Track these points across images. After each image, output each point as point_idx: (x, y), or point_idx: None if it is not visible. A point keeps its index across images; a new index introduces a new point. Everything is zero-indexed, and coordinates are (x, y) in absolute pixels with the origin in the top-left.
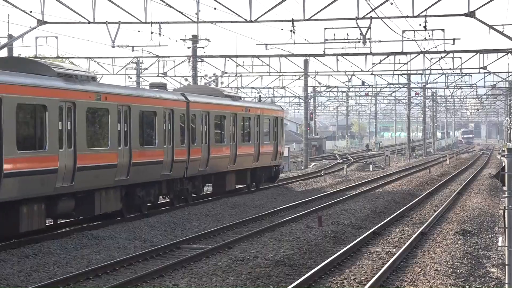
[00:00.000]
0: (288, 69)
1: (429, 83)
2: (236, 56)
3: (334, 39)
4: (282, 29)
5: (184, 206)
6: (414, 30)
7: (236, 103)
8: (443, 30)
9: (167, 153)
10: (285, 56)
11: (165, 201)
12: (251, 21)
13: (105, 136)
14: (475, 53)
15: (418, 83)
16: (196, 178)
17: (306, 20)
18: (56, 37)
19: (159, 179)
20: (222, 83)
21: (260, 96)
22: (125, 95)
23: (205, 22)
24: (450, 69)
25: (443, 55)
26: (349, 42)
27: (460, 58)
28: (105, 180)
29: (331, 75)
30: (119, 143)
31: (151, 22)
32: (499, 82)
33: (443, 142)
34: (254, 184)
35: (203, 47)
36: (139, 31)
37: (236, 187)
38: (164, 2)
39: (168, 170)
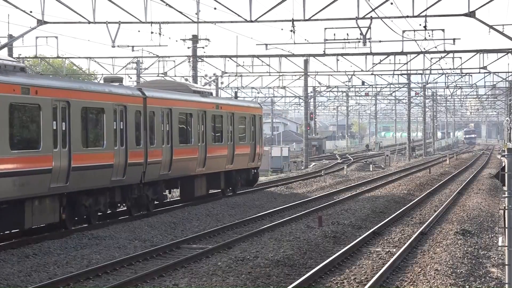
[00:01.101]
0: (288, 69)
1: (429, 83)
2: (236, 56)
3: (334, 39)
4: (282, 29)
5: (184, 205)
6: (414, 30)
7: (205, 100)
8: (443, 30)
9: (119, 155)
10: (285, 56)
11: (122, 209)
12: (251, 21)
13: (35, 136)
14: (475, 53)
15: (418, 83)
16: (157, 184)
17: (306, 20)
18: (56, 37)
19: (109, 185)
20: (222, 83)
21: (236, 92)
22: (62, 88)
23: (205, 22)
24: (450, 69)
25: (443, 55)
26: (349, 42)
27: (460, 58)
28: (37, 188)
29: (331, 75)
30: (55, 144)
31: (151, 22)
32: (499, 82)
33: (443, 142)
34: (230, 188)
35: (203, 47)
36: (139, 31)
37: (210, 191)
38: (164, 2)
39: (121, 175)
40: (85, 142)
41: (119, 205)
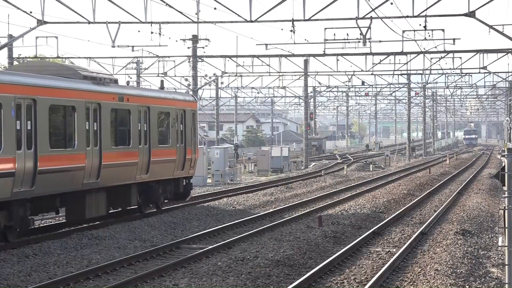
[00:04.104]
0: (288, 69)
1: (429, 83)
2: (236, 56)
3: (334, 39)
4: (282, 29)
5: (184, 206)
6: (414, 30)
7: (100, 89)
8: (443, 30)
9: None
10: (285, 56)
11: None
12: (251, 21)
13: None
14: (475, 53)
15: (418, 83)
16: (13, 205)
17: (306, 20)
18: (56, 37)
19: None
20: (222, 83)
21: (162, 81)
22: None
23: (205, 22)
24: (450, 69)
25: (443, 55)
26: (349, 42)
27: (460, 58)
28: None
29: (331, 75)
30: None
31: (151, 22)
32: (499, 82)
33: (443, 142)
34: (153, 204)
35: (203, 47)
36: (139, 31)
37: (120, 209)
38: (164, 2)
39: None
40: None
41: None
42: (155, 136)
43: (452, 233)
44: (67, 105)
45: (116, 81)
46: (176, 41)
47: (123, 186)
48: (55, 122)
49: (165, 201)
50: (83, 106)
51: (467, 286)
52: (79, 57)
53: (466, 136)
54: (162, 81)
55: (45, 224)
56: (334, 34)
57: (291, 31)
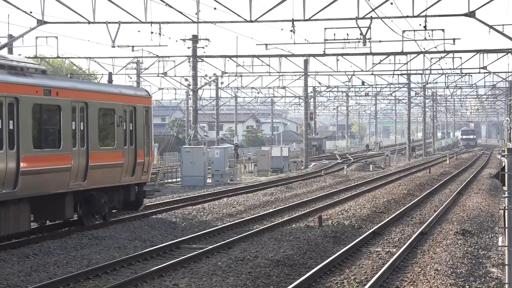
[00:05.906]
0: (288, 69)
1: (429, 83)
2: (236, 56)
3: (334, 39)
4: (282, 29)
5: (184, 205)
6: (414, 30)
7: (18, 80)
8: (443, 30)
9: None
10: (285, 56)
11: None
12: (251, 21)
13: None
14: (475, 53)
15: (418, 83)
16: None
17: (306, 20)
18: (56, 37)
19: None
20: (222, 83)
21: (110, 73)
22: None
23: (205, 22)
24: (450, 69)
25: (443, 55)
26: (349, 42)
27: (460, 58)
28: None
29: (331, 75)
30: None
31: (151, 22)
32: (499, 82)
33: (443, 142)
34: (98, 215)
35: (203, 47)
36: (139, 31)
37: (65, 221)
38: (164, 2)
39: None
40: None
41: None
42: (95, 136)
43: (452, 233)
44: None
45: (43, 72)
46: (176, 41)
47: (53, 196)
48: None
49: (114, 211)
50: None
51: (467, 286)
52: (79, 57)
53: (464, 137)
54: (110, 74)
55: None
56: (334, 34)
57: (291, 31)
